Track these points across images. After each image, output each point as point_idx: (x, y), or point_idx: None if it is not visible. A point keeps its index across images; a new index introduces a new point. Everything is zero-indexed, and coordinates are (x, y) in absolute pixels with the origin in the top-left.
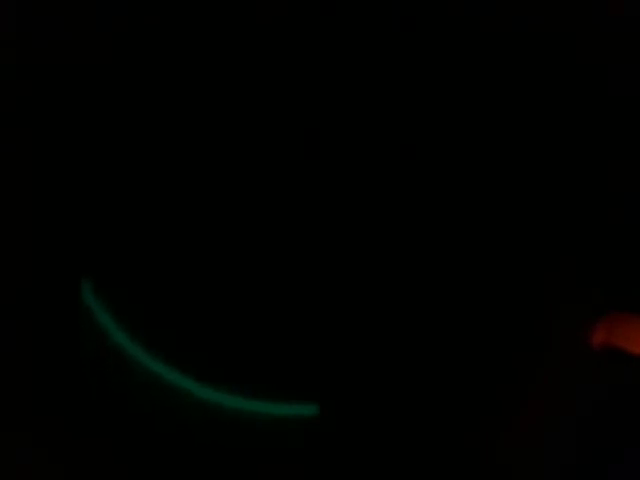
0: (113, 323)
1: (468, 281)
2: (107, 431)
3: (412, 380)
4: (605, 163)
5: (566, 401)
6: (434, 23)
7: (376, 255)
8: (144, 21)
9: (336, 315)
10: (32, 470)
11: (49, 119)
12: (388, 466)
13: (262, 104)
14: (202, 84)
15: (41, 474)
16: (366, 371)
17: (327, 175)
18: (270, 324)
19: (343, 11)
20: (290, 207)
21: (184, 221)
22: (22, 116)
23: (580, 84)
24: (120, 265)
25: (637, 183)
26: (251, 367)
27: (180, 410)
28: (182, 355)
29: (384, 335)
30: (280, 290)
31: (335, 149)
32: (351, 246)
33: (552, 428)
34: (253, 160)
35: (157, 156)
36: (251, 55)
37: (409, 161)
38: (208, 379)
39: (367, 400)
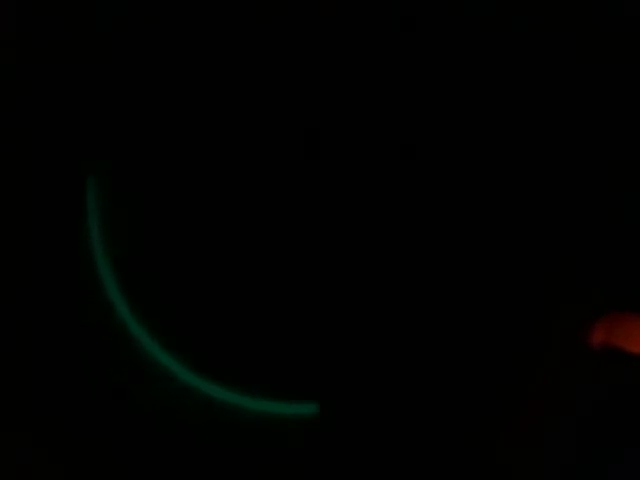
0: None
1: (468, 281)
2: (107, 431)
3: (412, 380)
4: (605, 163)
5: (566, 401)
6: (434, 23)
7: (376, 255)
8: (144, 21)
9: (336, 315)
10: (32, 470)
11: (49, 119)
12: (388, 466)
13: (262, 103)
14: (202, 83)
15: (41, 474)
16: (366, 371)
17: (328, 177)
18: (271, 324)
19: (343, 12)
20: (288, 207)
21: (188, 225)
22: (22, 116)
23: (580, 84)
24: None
25: (637, 183)
26: (251, 366)
27: (180, 408)
28: (185, 350)
29: (384, 335)
30: (280, 288)
31: (336, 150)
32: (351, 247)
33: (552, 428)
34: (252, 158)
35: (157, 156)
36: (251, 55)
37: (409, 162)
38: (209, 376)
39: (367, 400)
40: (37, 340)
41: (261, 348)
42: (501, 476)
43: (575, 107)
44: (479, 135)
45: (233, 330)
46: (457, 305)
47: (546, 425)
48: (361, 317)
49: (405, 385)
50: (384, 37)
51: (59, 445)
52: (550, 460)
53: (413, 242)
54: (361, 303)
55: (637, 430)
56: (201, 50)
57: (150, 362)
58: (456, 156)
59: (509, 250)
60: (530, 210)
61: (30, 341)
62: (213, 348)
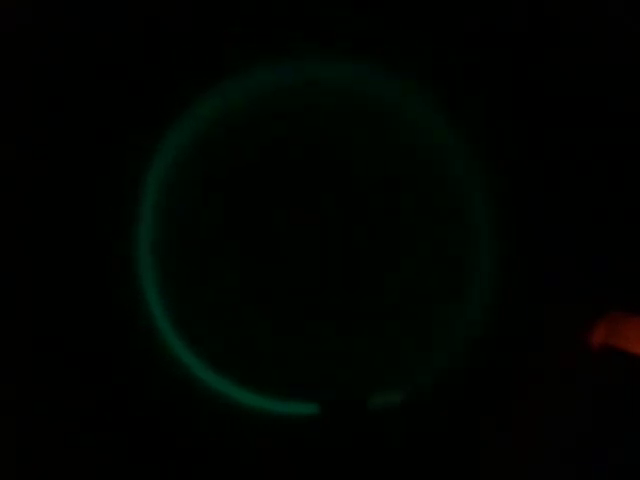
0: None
1: (468, 281)
2: (109, 430)
3: (411, 379)
4: (605, 163)
5: (566, 401)
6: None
7: (375, 258)
8: (144, 21)
9: (336, 315)
10: (32, 470)
11: (49, 119)
12: (387, 466)
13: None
14: (201, 82)
15: (42, 474)
16: (366, 370)
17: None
18: (272, 323)
19: None
20: (297, 213)
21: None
22: (22, 116)
23: (581, 85)
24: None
25: (637, 182)
26: (252, 365)
27: (180, 406)
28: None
29: (383, 335)
30: (282, 289)
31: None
32: (352, 252)
33: (552, 428)
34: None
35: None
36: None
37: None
38: (212, 366)
39: (367, 400)
40: (37, 338)
41: (263, 348)
42: (500, 476)
43: (575, 108)
44: (478, 135)
45: (237, 329)
46: (457, 305)
47: (546, 425)
48: (361, 317)
49: (404, 384)
50: None
51: (59, 445)
52: (550, 460)
53: (407, 246)
54: (361, 303)
55: (637, 430)
56: (200, 49)
57: (158, 352)
58: (456, 157)
59: (509, 250)
60: (530, 209)
61: (30, 339)
62: (217, 345)
